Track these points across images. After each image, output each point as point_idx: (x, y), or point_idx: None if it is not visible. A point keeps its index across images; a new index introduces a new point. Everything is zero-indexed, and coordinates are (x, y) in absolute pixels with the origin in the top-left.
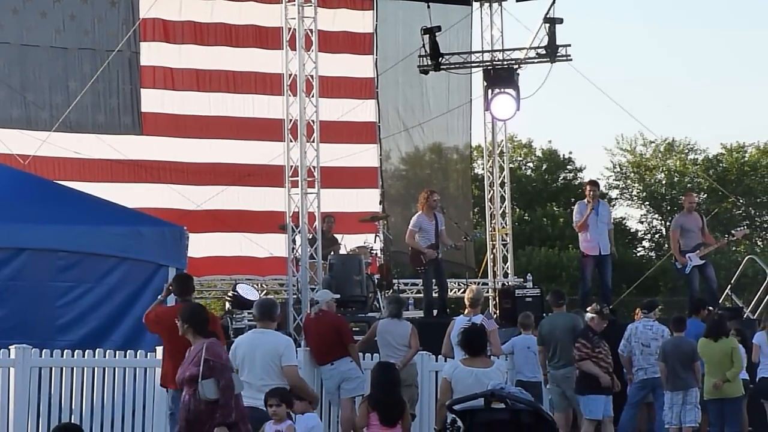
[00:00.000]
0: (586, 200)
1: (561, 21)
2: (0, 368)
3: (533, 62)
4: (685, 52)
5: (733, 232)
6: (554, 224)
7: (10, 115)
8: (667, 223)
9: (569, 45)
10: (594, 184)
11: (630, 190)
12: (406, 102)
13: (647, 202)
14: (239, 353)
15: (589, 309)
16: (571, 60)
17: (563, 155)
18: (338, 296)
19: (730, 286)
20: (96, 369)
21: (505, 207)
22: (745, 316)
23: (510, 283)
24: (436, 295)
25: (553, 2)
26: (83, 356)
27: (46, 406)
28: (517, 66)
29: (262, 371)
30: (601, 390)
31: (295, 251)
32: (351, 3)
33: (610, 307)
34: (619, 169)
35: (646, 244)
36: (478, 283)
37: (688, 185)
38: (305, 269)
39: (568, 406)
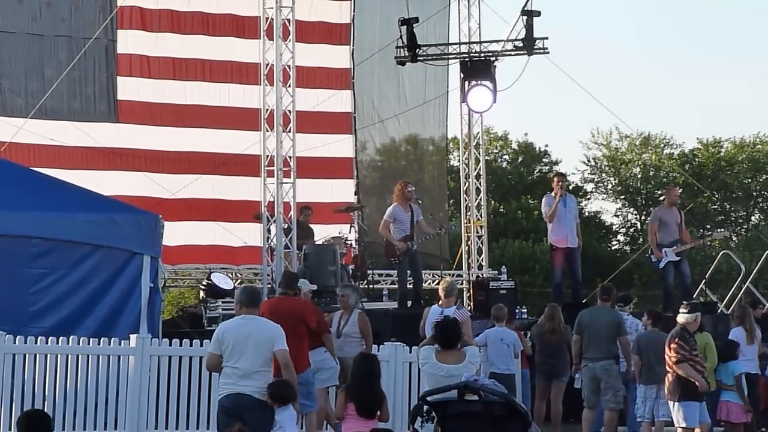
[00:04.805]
0: (553, 193)
1: (538, 14)
2: None
3: (510, 54)
4: (662, 46)
5: (713, 234)
6: (528, 217)
7: None
8: (642, 217)
9: (546, 38)
10: (561, 176)
11: (605, 183)
12: (382, 93)
13: (622, 196)
14: (229, 339)
15: (682, 309)
16: (548, 53)
17: (539, 148)
18: (315, 287)
19: (704, 281)
20: (69, 356)
21: (480, 199)
22: (719, 312)
23: (484, 276)
24: (411, 286)
25: None
26: (56, 343)
27: (20, 393)
28: (494, 58)
29: (254, 358)
30: (698, 396)
31: (269, 241)
32: None
33: (584, 301)
34: (594, 163)
35: (620, 237)
36: (453, 275)
37: (664, 180)
38: (280, 259)
39: (597, 403)
